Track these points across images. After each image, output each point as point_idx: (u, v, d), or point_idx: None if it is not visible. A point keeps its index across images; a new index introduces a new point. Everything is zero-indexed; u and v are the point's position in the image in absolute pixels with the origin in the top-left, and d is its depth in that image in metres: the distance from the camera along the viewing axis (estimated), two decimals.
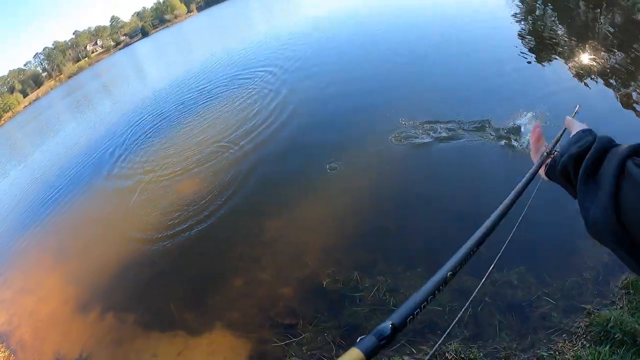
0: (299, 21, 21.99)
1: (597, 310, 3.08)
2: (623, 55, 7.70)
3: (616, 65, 7.25)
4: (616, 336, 2.72)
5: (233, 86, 12.68)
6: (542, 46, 8.56)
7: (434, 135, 6.13)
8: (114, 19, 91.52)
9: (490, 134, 5.77)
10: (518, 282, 3.56)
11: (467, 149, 5.67)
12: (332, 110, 8.34)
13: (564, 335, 3.01)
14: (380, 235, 4.81)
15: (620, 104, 5.89)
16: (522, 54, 8.22)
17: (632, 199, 0.54)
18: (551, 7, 12.11)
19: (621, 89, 6.28)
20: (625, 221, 0.54)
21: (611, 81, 6.67)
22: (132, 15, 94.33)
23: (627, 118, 5.52)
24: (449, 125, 6.19)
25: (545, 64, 7.71)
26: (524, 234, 3.98)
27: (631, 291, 3.14)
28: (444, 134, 6.06)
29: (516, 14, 11.43)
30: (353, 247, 4.76)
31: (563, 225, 3.98)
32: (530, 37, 9.20)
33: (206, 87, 13.98)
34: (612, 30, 9.56)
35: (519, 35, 9.30)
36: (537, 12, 11.73)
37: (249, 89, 11.52)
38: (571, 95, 6.26)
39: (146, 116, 13.64)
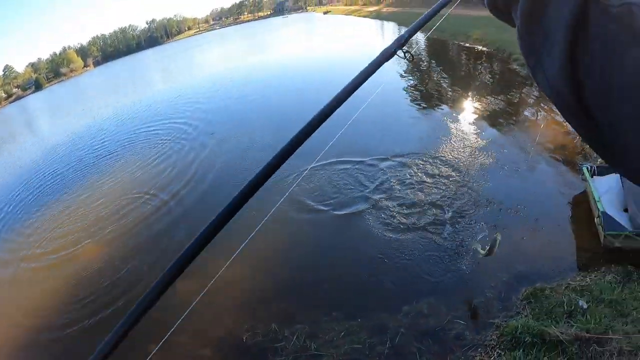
0: (197, 78, 22.36)
1: (505, 322, 3.23)
2: (503, 98, 8.79)
3: (497, 108, 8.23)
4: (526, 340, 2.89)
5: (129, 144, 11.86)
6: (428, 97, 9.43)
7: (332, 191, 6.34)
8: (7, 69, 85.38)
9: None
10: (429, 311, 3.65)
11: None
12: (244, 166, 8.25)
13: (479, 350, 3.10)
14: (293, 287, 4.72)
15: (504, 138, 6.60)
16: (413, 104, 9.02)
17: (596, 60, 0.34)
18: (435, 62, 13.65)
19: (504, 127, 7.08)
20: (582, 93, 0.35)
21: (500, 119, 7.52)
22: (27, 66, 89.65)
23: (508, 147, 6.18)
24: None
25: (432, 111, 8.50)
26: (427, 267, 4.18)
27: (532, 300, 3.36)
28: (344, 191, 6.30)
29: (404, 71, 12.68)
30: (268, 301, 4.61)
31: (462, 251, 4.23)
32: (418, 89, 10.14)
33: (99, 147, 12.75)
34: (491, 78, 10.96)
35: (408, 87, 10.23)
36: (423, 67, 13.12)
37: (151, 146, 10.83)
38: (462, 140, 6.87)
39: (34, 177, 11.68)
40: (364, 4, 68.06)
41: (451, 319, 3.49)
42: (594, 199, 4.12)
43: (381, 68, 0.74)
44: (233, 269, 5.14)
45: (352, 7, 67.32)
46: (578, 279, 3.55)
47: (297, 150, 0.70)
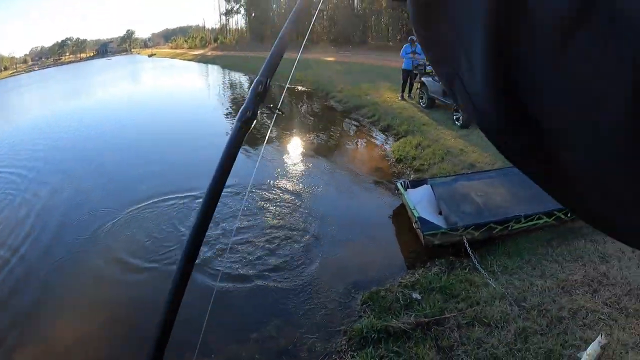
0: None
1: (351, 326, 3.31)
2: (325, 132, 9.56)
3: (320, 142, 8.89)
4: (373, 337, 3.02)
5: None
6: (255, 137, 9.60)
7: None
8: None
9: None
10: (277, 334, 3.53)
11: None
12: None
13: (333, 356, 3.10)
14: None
15: (330, 168, 7.10)
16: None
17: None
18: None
19: (330, 158, 7.65)
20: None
21: (325, 152, 8.07)
22: None
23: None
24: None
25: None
26: (269, 294, 4.10)
27: (370, 303, 3.54)
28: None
29: (229, 112, 12.89)
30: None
31: (299, 274, 4.30)
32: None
33: None
34: (313, 116, 11.87)
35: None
36: None
37: None
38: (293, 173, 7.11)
39: None
40: (190, 48, 67.68)
41: (300, 336, 3.43)
42: (410, 208, 4.66)
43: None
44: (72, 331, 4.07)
45: (177, 51, 66.28)
46: (408, 276, 3.91)
47: None
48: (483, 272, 3.62)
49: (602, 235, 4.18)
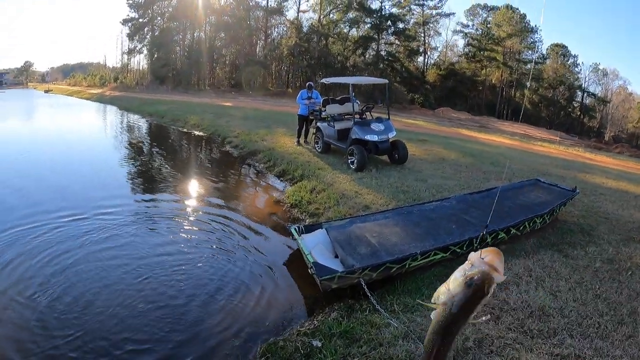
0: None
1: None
2: (222, 177, 9.04)
3: (217, 186, 8.35)
4: None
5: None
6: (151, 182, 8.83)
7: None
8: None
9: None
10: None
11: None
12: None
13: None
14: None
15: (226, 213, 6.58)
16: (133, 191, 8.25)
17: None
18: (156, 147, 13.29)
19: (226, 203, 7.13)
20: None
21: (221, 196, 7.53)
22: None
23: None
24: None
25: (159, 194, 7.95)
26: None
27: (269, 355, 3.15)
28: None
29: (126, 155, 11.80)
30: None
31: (189, 331, 3.66)
32: (140, 176, 9.38)
33: None
34: (208, 161, 11.31)
35: (129, 173, 9.36)
36: (144, 153, 12.52)
37: None
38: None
39: None
40: (88, 85, 63.37)
41: None
42: (305, 253, 4.36)
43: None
44: None
45: (75, 88, 61.38)
46: (307, 324, 3.61)
47: None
48: (383, 312, 3.45)
49: None
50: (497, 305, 3.52)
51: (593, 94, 48.34)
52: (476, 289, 1.38)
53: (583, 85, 48.00)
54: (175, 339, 3.47)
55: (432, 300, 1.52)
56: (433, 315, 1.54)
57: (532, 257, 4.59)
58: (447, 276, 4.06)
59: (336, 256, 4.49)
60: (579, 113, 48.16)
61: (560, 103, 47.41)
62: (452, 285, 1.45)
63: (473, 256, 1.45)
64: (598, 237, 5.36)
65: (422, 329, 3.18)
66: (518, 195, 6.24)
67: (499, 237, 4.88)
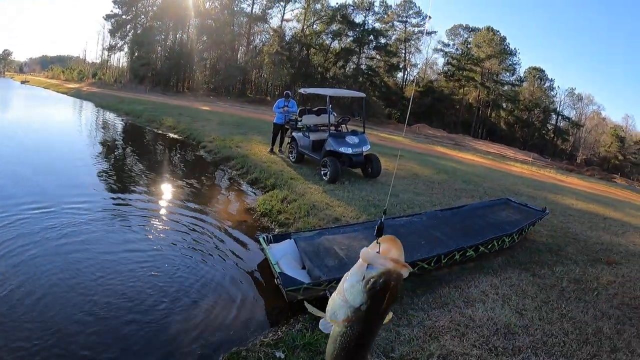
0: None
1: None
2: (195, 181, 8.81)
3: (190, 190, 8.13)
4: None
5: None
6: (123, 182, 8.56)
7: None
8: None
9: None
10: None
11: None
12: None
13: None
14: None
15: (196, 219, 6.39)
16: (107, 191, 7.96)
17: None
18: (130, 147, 12.93)
19: (197, 208, 6.92)
20: None
21: (193, 201, 7.31)
22: None
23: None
24: None
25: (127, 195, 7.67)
26: None
27: None
28: None
29: (99, 153, 11.42)
30: None
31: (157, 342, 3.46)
32: (112, 175, 9.07)
33: None
34: (182, 165, 11.04)
35: (100, 172, 9.03)
36: (118, 152, 12.15)
37: None
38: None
39: None
40: (66, 79, 61.87)
41: None
42: (271, 263, 4.24)
43: None
44: None
45: (52, 81, 59.86)
46: (271, 334, 3.48)
47: None
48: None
49: (465, 281, 4.34)
50: (463, 322, 3.48)
51: (567, 118, 50.24)
52: (384, 293, 1.14)
53: (558, 109, 49.89)
54: (131, 347, 3.26)
55: (328, 319, 1.20)
56: (332, 336, 1.21)
57: (499, 275, 4.59)
58: (414, 291, 4.07)
59: (303, 267, 4.38)
60: (552, 135, 49.82)
61: (534, 125, 48.96)
62: (350, 296, 1.14)
63: (367, 253, 1.17)
64: (566, 257, 5.41)
65: (386, 343, 3.13)
66: (488, 213, 6.26)
67: (467, 254, 4.85)
